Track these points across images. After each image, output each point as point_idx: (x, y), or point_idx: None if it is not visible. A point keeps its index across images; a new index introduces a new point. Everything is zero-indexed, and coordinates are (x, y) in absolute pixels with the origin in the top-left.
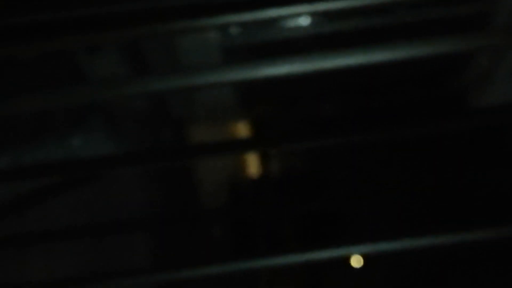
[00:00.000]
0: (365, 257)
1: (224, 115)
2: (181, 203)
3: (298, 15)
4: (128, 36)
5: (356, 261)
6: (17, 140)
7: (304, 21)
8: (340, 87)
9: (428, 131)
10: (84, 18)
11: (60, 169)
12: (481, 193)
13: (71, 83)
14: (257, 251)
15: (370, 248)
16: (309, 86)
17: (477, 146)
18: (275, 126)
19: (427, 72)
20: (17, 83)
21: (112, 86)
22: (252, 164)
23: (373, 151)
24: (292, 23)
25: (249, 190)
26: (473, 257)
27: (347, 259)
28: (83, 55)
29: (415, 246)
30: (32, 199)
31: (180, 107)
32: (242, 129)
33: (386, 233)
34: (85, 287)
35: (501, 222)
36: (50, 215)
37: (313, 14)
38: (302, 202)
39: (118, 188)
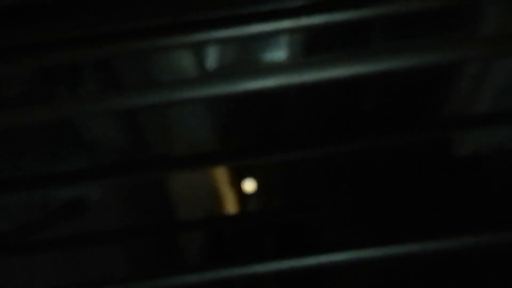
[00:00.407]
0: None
1: (198, 129)
2: (159, 215)
3: (280, 31)
4: (106, 54)
5: None
6: None
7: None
8: (316, 99)
9: (411, 141)
10: (62, 37)
11: (40, 183)
12: (459, 202)
13: (43, 99)
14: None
15: (349, 255)
16: (282, 100)
17: (454, 157)
18: (247, 139)
19: (412, 82)
20: None
21: (85, 102)
22: (228, 179)
23: (352, 161)
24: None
25: (226, 203)
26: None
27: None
28: (59, 73)
29: (391, 254)
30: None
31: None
32: (216, 143)
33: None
34: None
35: (476, 230)
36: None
37: (294, 30)
38: (279, 213)
39: (97, 201)
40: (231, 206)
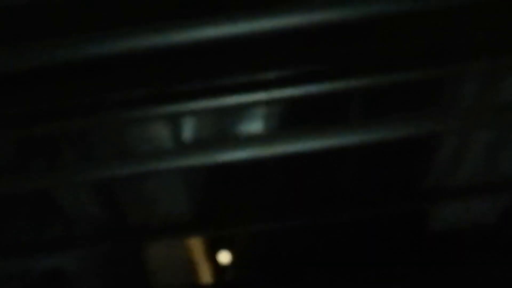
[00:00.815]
0: None
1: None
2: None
3: (255, 103)
4: (84, 125)
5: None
6: None
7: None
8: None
9: (389, 212)
10: (39, 109)
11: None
12: None
13: (14, 171)
14: None
15: None
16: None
17: (431, 228)
18: (223, 210)
19: (395, 153)
20: None
21: (60, 173)
22: (204, 249)
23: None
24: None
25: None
26: None
27: None
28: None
29: None
30: None
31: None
32: (191, 214)
33: None
34: None
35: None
36: None
37: (270, 102)
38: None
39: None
40: (206, 275)
